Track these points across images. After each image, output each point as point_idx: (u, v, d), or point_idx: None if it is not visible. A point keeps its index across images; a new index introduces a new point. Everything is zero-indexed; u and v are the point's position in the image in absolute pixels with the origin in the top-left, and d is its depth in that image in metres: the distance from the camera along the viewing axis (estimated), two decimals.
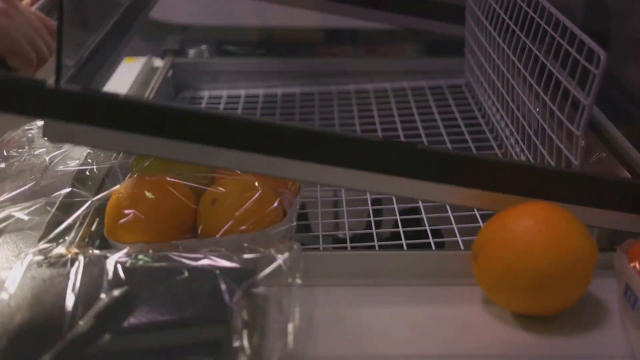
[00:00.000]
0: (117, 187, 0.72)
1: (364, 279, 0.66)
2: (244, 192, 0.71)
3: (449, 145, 0.96)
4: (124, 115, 0.64)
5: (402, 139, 0.98)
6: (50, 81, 0.64)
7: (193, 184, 0.73)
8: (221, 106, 1.12)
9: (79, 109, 0.64)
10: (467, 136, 0.99)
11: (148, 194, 0.70)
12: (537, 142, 0.77)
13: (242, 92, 1.16)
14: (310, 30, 1.23)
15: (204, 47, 1.21)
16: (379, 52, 1.23)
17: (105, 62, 0.80)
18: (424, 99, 1.12)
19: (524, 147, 0.82)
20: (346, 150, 0.64)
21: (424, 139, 0.98)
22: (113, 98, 0.64)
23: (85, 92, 0.65)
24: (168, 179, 0.73)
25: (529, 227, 0.59)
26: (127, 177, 0.76)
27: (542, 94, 0.75)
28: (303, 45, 1.23)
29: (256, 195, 0.71)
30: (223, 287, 0.59)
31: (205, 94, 1.16)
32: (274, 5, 1.19)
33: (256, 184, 0.73)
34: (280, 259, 0.63)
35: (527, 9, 0.83)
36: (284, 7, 1.20)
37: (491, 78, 0.98)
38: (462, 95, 1.12)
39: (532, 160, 0.79)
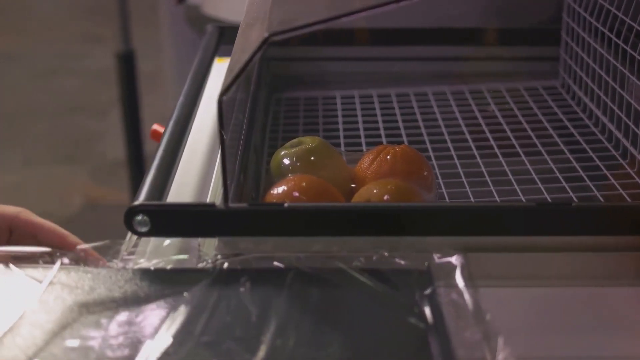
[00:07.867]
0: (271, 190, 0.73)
1: (530, 280, 0.66)
2: (401, 196, 0.71)
3: (564, 148, 0.96)
4: (291, 222, 0.66)
5: (514, 141, 0.98)
6: (219, 202, 0.66)
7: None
8: (320, 108, 1.12)
9: (249, 224, 0.66)
10: (578, 137, 0.99)
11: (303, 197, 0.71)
12: None
13: (337, 94, 1.16)
14: (399, 32, 1.23)
15: (296, 49, 1.21)
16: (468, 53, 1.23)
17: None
18: (522, 100, 1.12)
19: None
20: None
21: (538, 143, 0.98)
22: (279, 209, 0.66)
23: (251, 208, 0.67)
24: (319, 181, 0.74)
25: None
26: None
27: None
28: (393, 46, 1.23)
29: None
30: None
31: (301, 95, 1.17)
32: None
33: (406, 187, 0.74)
34: (455, 260, 0.63)
35: None
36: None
37: (602, 78, 0.98)
38: (560, 97, 1.12)
39: None
